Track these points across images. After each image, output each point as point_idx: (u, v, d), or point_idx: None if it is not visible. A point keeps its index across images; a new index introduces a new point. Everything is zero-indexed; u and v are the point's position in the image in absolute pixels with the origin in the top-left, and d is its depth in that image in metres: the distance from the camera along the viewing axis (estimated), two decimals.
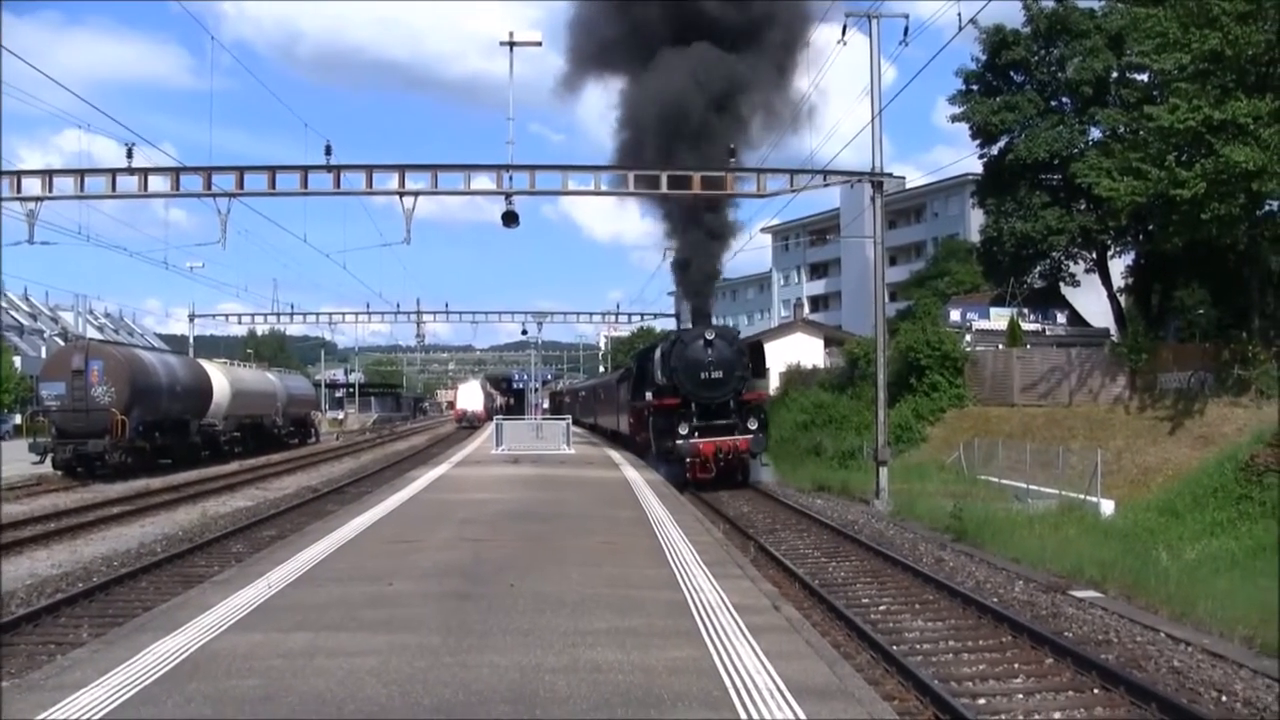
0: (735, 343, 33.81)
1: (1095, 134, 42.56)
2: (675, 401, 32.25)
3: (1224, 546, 21.08)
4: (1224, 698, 11.06)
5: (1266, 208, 33.58)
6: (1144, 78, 38.86)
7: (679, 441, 31.23)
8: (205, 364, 49.21)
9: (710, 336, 32.16)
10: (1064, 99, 44.11)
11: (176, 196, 29.72)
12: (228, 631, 9.39)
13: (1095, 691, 11.07)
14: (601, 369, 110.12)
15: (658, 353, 35.65)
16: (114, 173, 28.19)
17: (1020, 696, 11.03)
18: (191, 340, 66.60)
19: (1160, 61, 32.78)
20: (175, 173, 28.70)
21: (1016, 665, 12.18)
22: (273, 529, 23.70)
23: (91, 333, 52.93)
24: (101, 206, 41.49)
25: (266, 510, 27.34)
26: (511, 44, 30.12)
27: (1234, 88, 31.20)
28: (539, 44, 31.08)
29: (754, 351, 35.36)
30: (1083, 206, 42.24)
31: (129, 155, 27.79)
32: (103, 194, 28.77)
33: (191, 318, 68.12)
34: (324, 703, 7.24)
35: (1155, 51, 32.87)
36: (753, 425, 32.25)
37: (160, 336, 70.44)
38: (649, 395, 35.25)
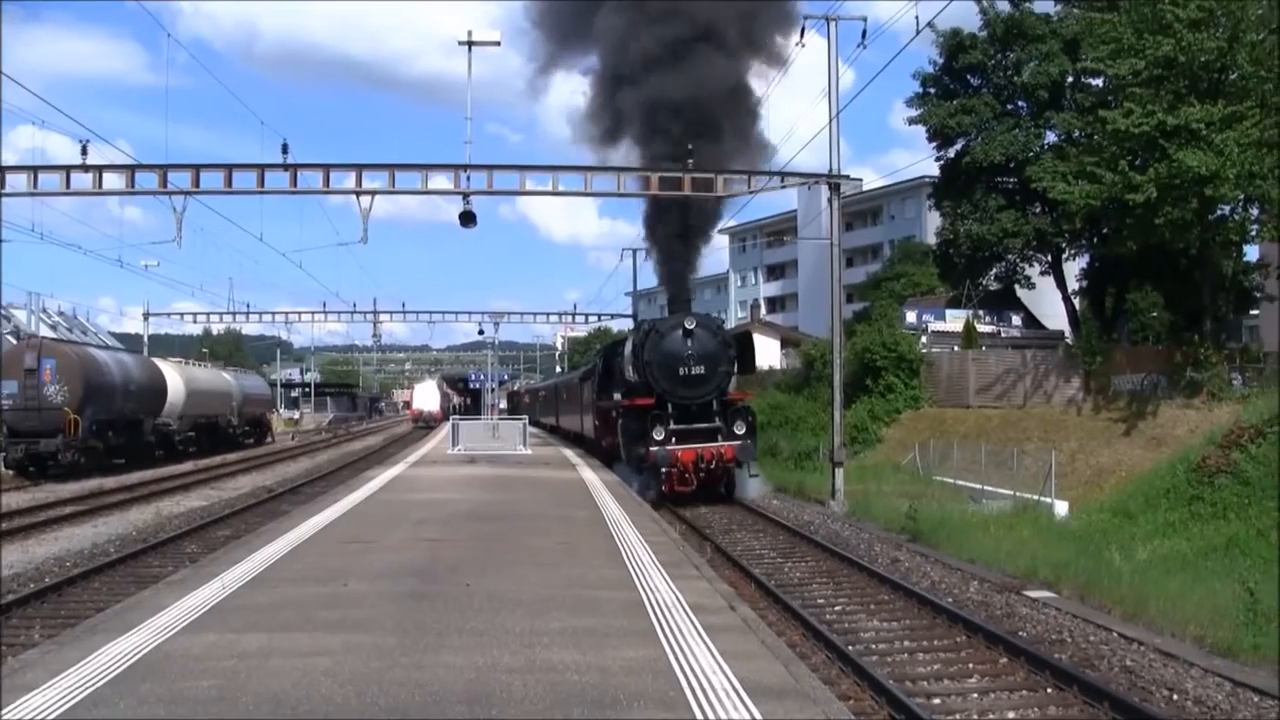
0: (719, 333, 29.31)
1: (1051, 138, 42.92)
2: (649, 401, 28.00)
3: (1175, 547, 21.30)
4: (1175, 696, 11.16)
5: (1219, 212, 33.93)
6: (1099, 83, 39.21)
7: (654, 448, 27.00)
8: (160, 363, 48.77)
9: (690, 326, 28.02)
10: (1020, 103, 44.41)
11: (131, 194, 29.48)
12: (182, 632, 9.29)
13: (1049, 691, 11.14)
14: (559, 369, 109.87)
15: (628, 345, 31.66)
16: (68, 170, 27.93)
17: (975, 696, 11.09)
18: (146, 339, 65.99)
19: (1115, 67, 33.08)
20: (130, 170, 28.46)
21: (971, 665, 12.24)
22: (227, 529, 23.54)
23: (44, 331, 52.24)
24: (55, 204, 41.27)
25: (221, 510, 27.15)
26: (470, 43, 30.02)
27: (1187, 93, 31.56)
28: (498, 44, 31.03)
29: (741, 343, 30.71)
30: (1038, 209, 42.53)
31: (84, 152, 27.53)
32: (57, 191, 28.48)
33: (146, 316, 67.51)
34: (279, 703, 7.18)
35: (1110, 57, 33.19)
36: (740, 429, 28.15)
37: (115, 335, 69.77)
38: (618, 394, 31.62)
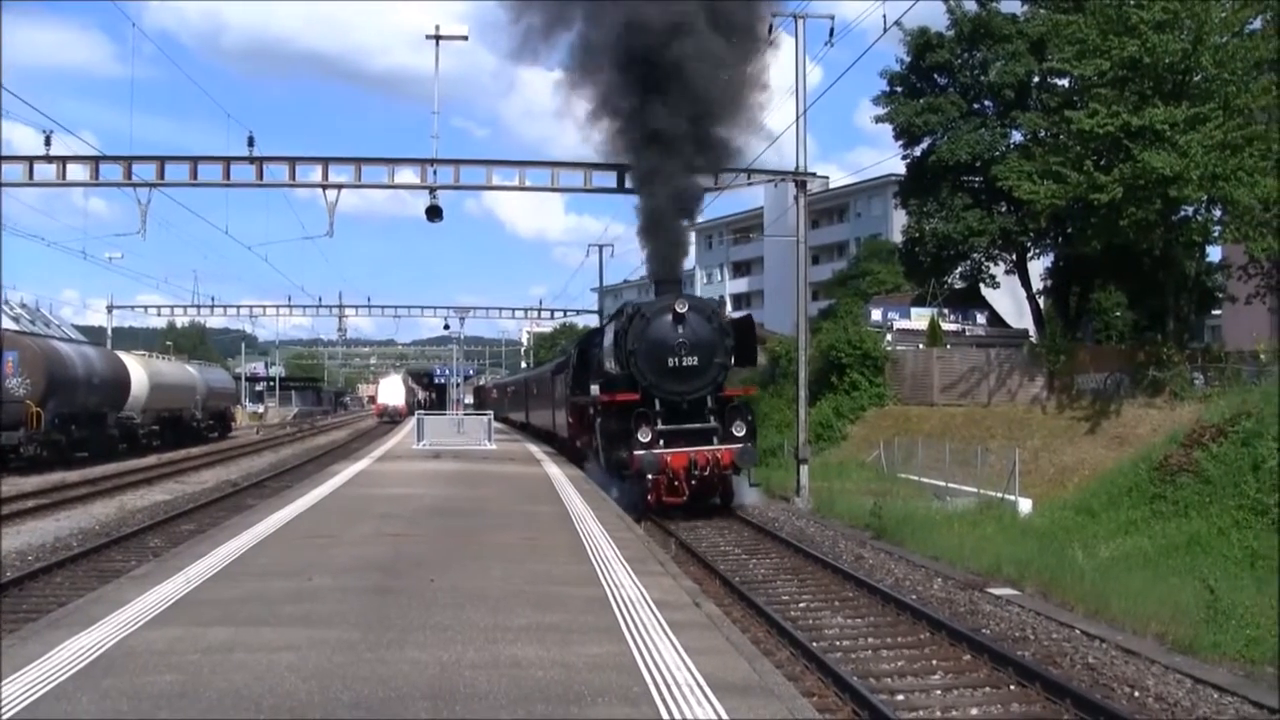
0: (715, 318, 26.11)
1: (1016, 137, 43.03)
2: (633, 397, 24.83)
3: (1137, 545, 21.43)
4: (1136, 693, 11.25)
5: (1182, 213, 34.15)
6: (1064, 83, 39.33)
7: (639, 452, 23.80)
8: (123, 356, 48.53)
9: (682, 309, 24.72)
10: (986, 102, 44.56)
11: (96, 186, 29.33)
12: (145, 627, 9.24)
13: (1011, 688, 11.20)
14: (524, 364, 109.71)
15: (608, 333, 28.57)
16: (31, 160, 27.74)
17: (938, 693, 11.14)
18: (110, 332, 65.75)
19: (1080, 67, 33.23)
20: (95, 162, 28.32)
21: (934, 662, 12.30)
22: (191, 523, 23.42)
23: (6, 323, 51.71)
24: (19, 195, 40.92)
25: (185, 504, 27.00)
26: (438, 37, 29.88)
27: (1151, 94, 31.75)
28: (465, 38, 30.87)
29: (740, 331, 27.27)
30: (1003, 208, 42.69)
31: (47, 143, 27.37)
32: (19, 182, 28.25)
33: (110, 309, 67.26)
34: (242, 698, 7.16)
35: (1075, 57, 33.35)
36: (739, 431, 24.91)
37: (78, 328, 69.13)
38: (595, 389, 28.54)
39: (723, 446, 24.54)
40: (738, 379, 29.56)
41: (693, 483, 24.22)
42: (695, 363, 24.64)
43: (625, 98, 25.93)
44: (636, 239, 29.77)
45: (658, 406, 24.63)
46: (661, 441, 24.27)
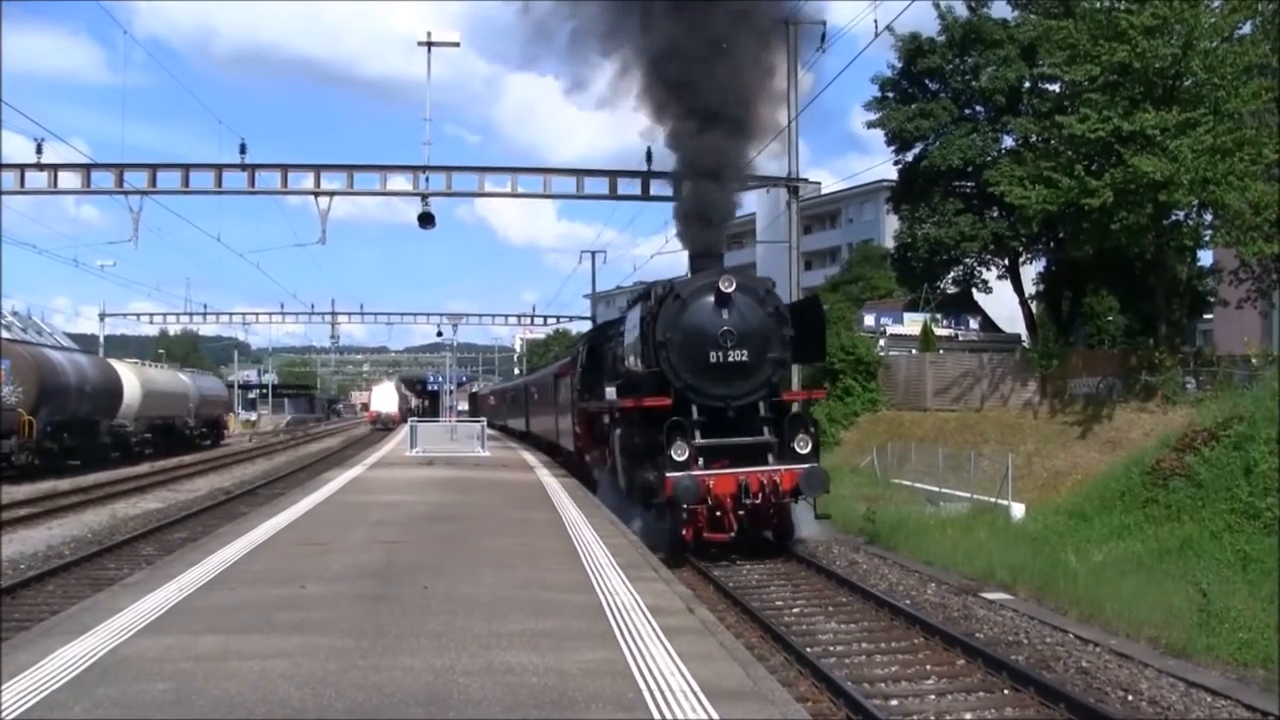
0: (770, 300, 20.05)
1: (1008, 142, 43.10)
2: (663, 402, 19.50)
3: (1130, 549, 21.45)
4: (1130, 697, 11.26)
5: (1173, 217, 34.27)
6: (1055, 88, 39.41)
7: (673, 474, 18.27)
8: (116, 364, 48.48)
9: (728, 288, 19.30)
10: (978, 107, 44.57)
11: (87, 194, 29.50)
12: (137, 635, 9.21)
13: (1005, 692, 11.20)
14: (516, 371, 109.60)
15: (630, 321, 22.65)
16: (23, 168, 27.77)
17: (932, 697, 11.14)
18: (102, 339, 65.50)
19: (1071, 73, 33.31)
20: (86, 169, 28.37)
21: (928, 666, 12.29)
22: (184, 531, 23.40)
23: None
24: (10, 203, 40.83)
25: (178, 512, 26.96)
26: (430, 44, 29.90)
27: (1142, 99, 31.84)
28: (457, 44, 30.91)
29: (802, 315, 21.53)
30: (995, 213, 42.72)
31: (38, 150, 27.41)
32: (11, 190, 28.29)
33: (102, 316, 67.01)
34: (235, 706, 7.14)
35: (1066, 63, 33.43)
36: (803, 447, 19.31)
37: (70, 336, 69.24)
38: (612, 391, 23.24)
39: (782, 466, 19.07)
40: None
41: (744, 514, 18.80)
42: (744, 358, 19.40)
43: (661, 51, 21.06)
44: (674, 221, 24.23)
45: (696, 414, 19.43)
46: (701, 460, 18.99)
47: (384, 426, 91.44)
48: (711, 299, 19.46)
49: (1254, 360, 33.79)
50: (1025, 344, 46.54)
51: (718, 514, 18.78)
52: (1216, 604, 14.54)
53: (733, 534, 18.89)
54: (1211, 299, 43.25)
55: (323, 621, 9.76)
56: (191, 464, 44.70)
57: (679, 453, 18.67)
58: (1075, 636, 13.65)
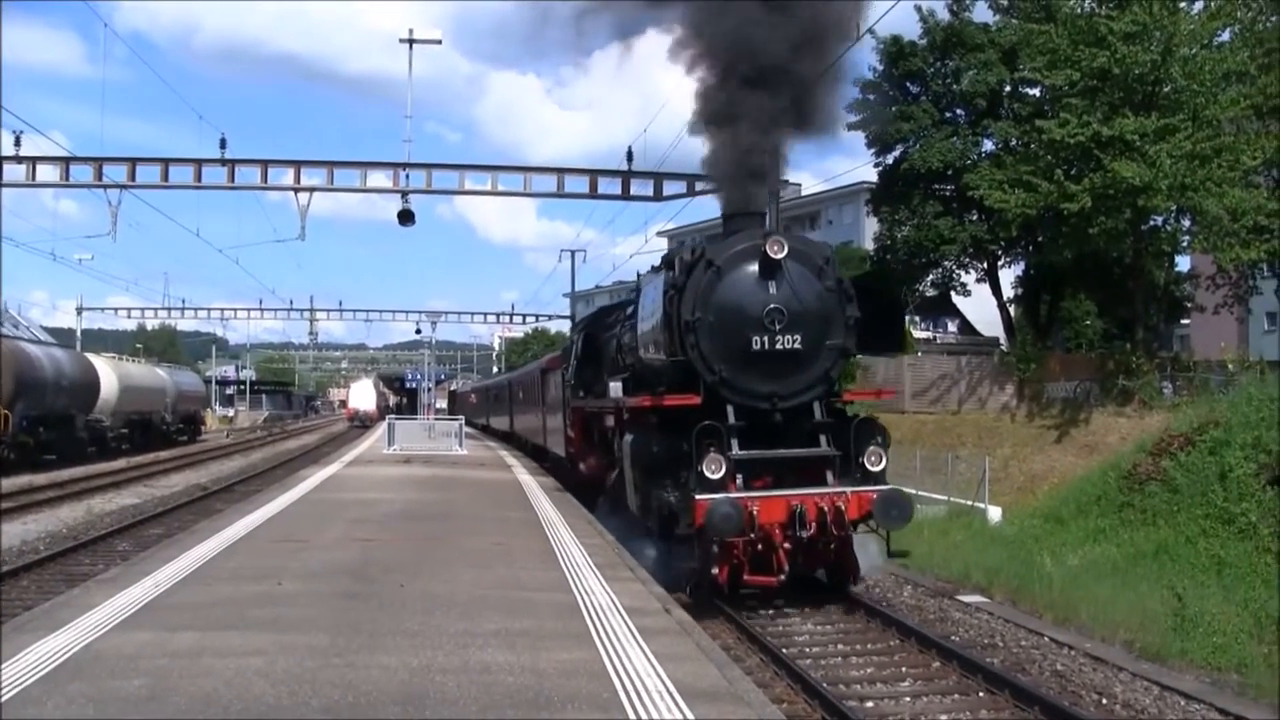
0: (829, 271, 15.94)
1: (988, 146, 43.19)
2: (691, 400, 15.22)
3: (1105, 553, 21.49)
4: (1104, 700, 11.33)
5: (1151, 223, 34.39)
6: (1036, 92, 39.55)
7: (705, 496, 13.94)
8: (93, 358, 48.32)
9: (777, 252, 15.10)
10: (958, 110, 44.64)
11: (66, 187, 29.18)
12: (112, 631, 9.17)
13: (980, 694, 11.24)
14: (495, 370, 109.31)
15: (646, 297, 17.62)
16: (0, 160, 27.56)
17: (908, 699, 11.18)
18: (79, 334, 65.35)
19: (1051, 77, 33.38)
20: (65, 162, 28.18)
21: (904, 668, 12.33)
22: (160, 527, 23.34)
23: None
24: None
25: (154, 508, 26.90)
26: (411, 41, 29.84)
27: (1121, 105, 31.93)
28: (439, 42, 30.86)
29: (871, 292, 17.58)
30: (975, 217, 42.78)
31: (17, 143, 27.22)
32: None
33: (79, 311, 66.88)
34: (210, 703, 7.11)
35: (1046, 67, 33.49)
36: (874, 463, 15.12)
37: (47, 330, 68.84)
38: (616, 387, 18.72)
39: (849, 488, 14.75)
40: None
41: (796, 548, 14.51)
42: (797, 344, 15.13)
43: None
44: (705, 170, 19.48)
45: (732, 417, 15.07)
46: (740, 477, 14.68)
47: (362, 424, 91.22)
48: (755, 268, 15.28)
49: (1230, 366, 33.95)
50: (1003, 347, 46.67)
51: (768, 550, 14.47)
52: (1191, 608, 14.60)
53: (783, 577, 14.50)
54: (1189, 304, 43.52)
55: (299, 619, 9.74)
56: (168, 460, 44.59)
57: (713, 468, 14.26)
58: (1051, 639, 13.73)
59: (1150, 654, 13.09)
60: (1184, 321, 50.84)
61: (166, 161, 28.14)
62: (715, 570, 14.30)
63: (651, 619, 10.05)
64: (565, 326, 62.39)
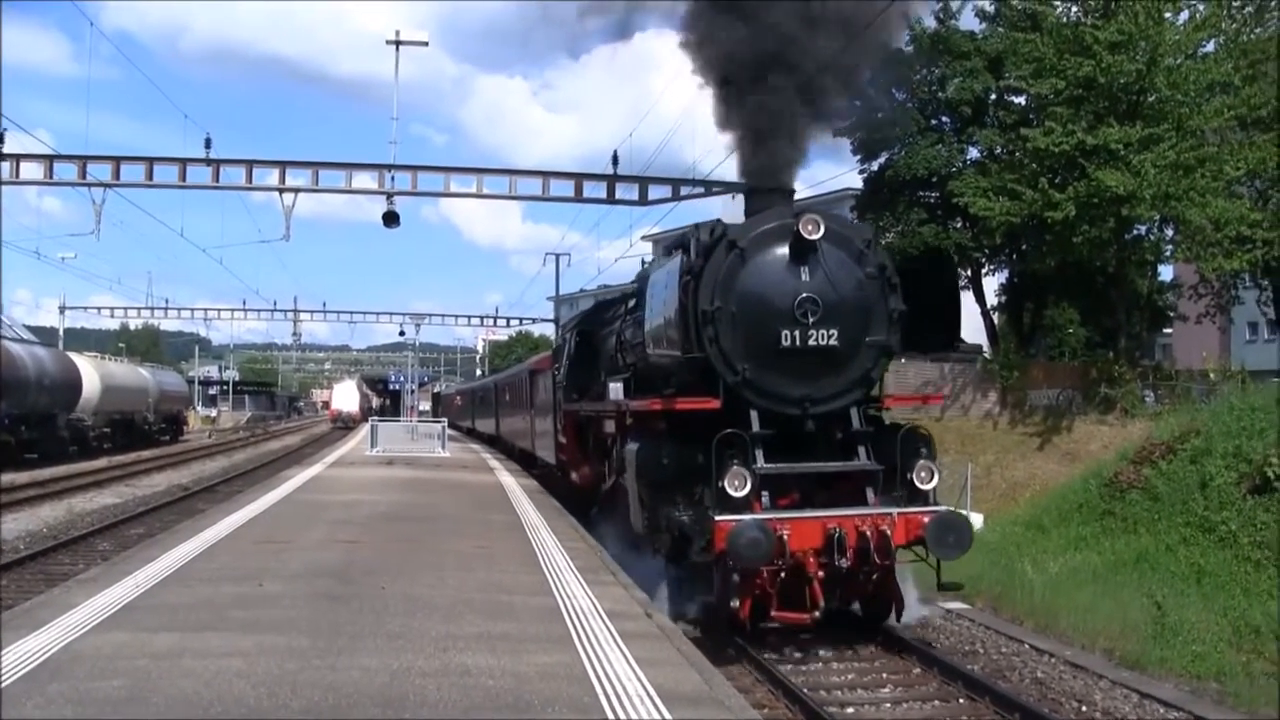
0: (870, 256, 13.70)
1: (973, 153, 43.28)
2: (709, 404, 13.28)
3: (1086, 560, 21.54)
4: (1084, 708, 11.37)
5: (1135, 232, 34.53)
6: (1021, 101, 39.67)
7: (725, 518, 12.18)
8: (75, 357, 48.16)
9: (811, 233, 12.99)
10: (944, 118, 44.74)
11: (50, 185, 29.04)
12: (92, 631, 9.13)
13: (961, 701, 11.27)
14: (479, 372, 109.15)
15: (657, 284, 15.48)
16: None
17: (888, 705, 11.21)
18: (62, 332, 65.09)
19: (1036, 86, 33.51)
20: (49, 160, 28.06)
21: (885, 675, 12.33)
22: (141, 527, 23.27)
23: None
24: None
25: (135, 508, 26.80)
26: (398, 43, 29.80)
27: (1106, 114, 32.04)
28: (425, 44, 30.84)
29: (921, 279, 15.20)
30: (959, 224, 42.86)
31: (0, 140, 27.10)
32: None
33: (62, 309, 66.57)
34: (190, 704, 7.09)
35: (1032, 76, 33.64)
36: (924, 480, 13.29)
37: (30, 328, 68.57)
38: (617, 388, 16.81)
39: (896, 509, 12.95)
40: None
41: (833, 579, 12.62)
42: (833, 340, 13.13)
43: None
44: (731, 136, 15.79)
45: (757, 425, 13.17)
46: (766, 495, 12.87)
47: (345, 425, 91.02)
48: (785, 250, 13.24)
49: (1212, 375, 34.11)
50: (986, 355, 46.71)
51: (803, 582, 12.47)
52: (1171, 616, 14.67)
53: (818, 614, 12.54)
54: (1171, 313, 43.74)
55: (280, 620, 9.71)
56: (150, 459, 44.44)
57: (737, 484, 12.37)
58: (1031, 647, 13.77)
59: (1130, 662, 13.13)
60: (1166, 331, 51.05)
61: (151, 161, 28.04)
62: (736, 603, 12.46)
63: (633, 623, 10.05)
64: (549, 330, 62.24)
